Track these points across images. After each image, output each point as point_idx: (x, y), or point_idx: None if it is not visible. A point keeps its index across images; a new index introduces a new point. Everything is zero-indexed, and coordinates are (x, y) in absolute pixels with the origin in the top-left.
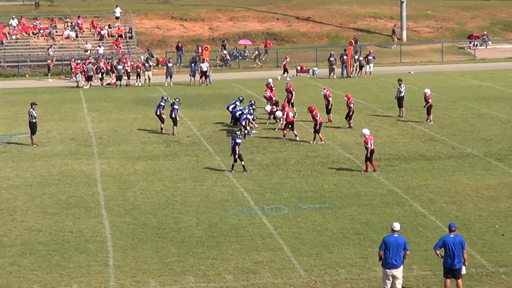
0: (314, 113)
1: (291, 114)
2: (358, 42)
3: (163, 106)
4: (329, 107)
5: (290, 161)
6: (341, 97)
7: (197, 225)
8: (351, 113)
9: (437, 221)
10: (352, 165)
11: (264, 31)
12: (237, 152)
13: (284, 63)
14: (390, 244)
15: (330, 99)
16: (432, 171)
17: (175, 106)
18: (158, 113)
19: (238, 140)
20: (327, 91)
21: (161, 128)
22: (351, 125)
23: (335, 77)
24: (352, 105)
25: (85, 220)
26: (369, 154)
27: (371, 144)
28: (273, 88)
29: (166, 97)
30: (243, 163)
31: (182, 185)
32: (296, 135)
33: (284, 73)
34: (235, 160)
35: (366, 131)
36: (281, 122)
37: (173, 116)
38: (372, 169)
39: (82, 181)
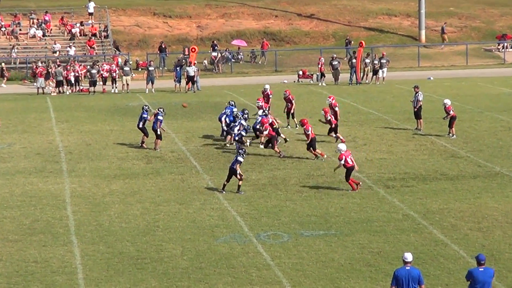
0: (305, 127)
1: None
2: (351, 42)
3: (146, 118)
4: (337, 118)
5: (291, 180)
6: (350, 106)
7: (182, 254)
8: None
9: (460, 250)
10: (362, 185)
11: (261, 30)
12: (237, 172)
13: (319, 65)
14: (402, 278)
15: (336, 109)
16: (455, 192)
17: (159, 117)
18: (141, 126)
19: (240, 158)
20: (333, 100)
21: (142, 142)
22: (339, 137)
23: (337, 83)
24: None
25: (52, 248)
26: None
27: (346, 160)
28: (271, 96)
29: (147, 107)
30: (240, 182)
31: (165, 208)
32: (284, 138)
33: (321, 77)
34: (228, 180)
35: (342, 146)
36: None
37: (156, 128)
38: (353, 187)
39: (49, 202)
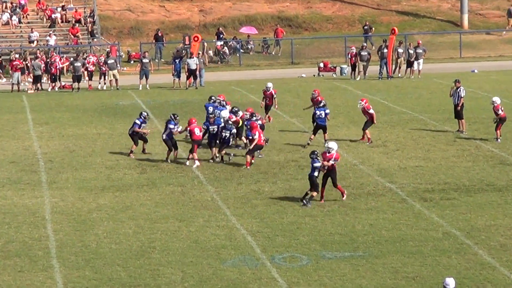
0: (252, 131)
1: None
2: (372, 29)
3: (138, 126)
4: (373, 122)
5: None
6: (380, 105)
7: (182, 280)
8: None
9: (511, 275)
10: (394, 198)
11: (275, 14)
12: (315, 181)
13: (349, 55)
14: None
15: (371, 111)
16: (504, 206)
17: (170, 126)
18: (131, 132)
19: (317, 164)
20: (365, 103)
21: (131, 152)
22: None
23: (357, 79)
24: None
25: (29, 274)
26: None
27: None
28: (275, 96)
29: (146, 114)
30: (314, 194)
31: (163, 225)
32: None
33: (353, 71)
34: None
35: (334, 145)
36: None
37: (167, 139)
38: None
39: (25, 220)
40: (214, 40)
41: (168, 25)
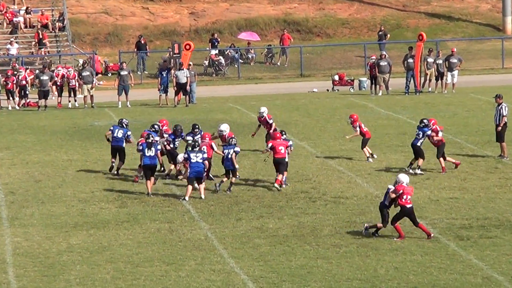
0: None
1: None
2: (387, 35)
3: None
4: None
5: (323, 229)
6: (407, 125)
7: None
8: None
9: None
10: (424, 236)
11: (280, 17)
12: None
13: (368, 65)
14: None
15: (357, 130)
16: None
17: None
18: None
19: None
20: (354, 120)
21: (112, 169)
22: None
23: (379, 94)
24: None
25: None
26: None
27: (404, 198)
28: (271, 121)
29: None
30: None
31: (147, 269)
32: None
33: (373, 85)
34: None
35: (405, 178)
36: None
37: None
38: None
39: None
40: (207, 49)
41: (153, 31)
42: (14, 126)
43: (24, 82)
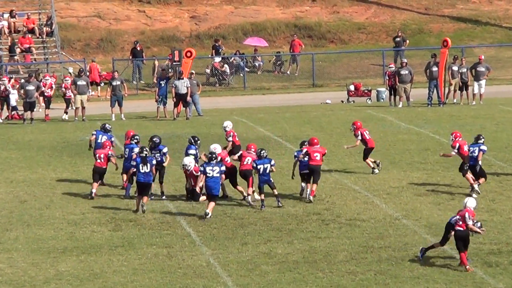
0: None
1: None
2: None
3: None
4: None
5: (338, 255)
6: (430, 140)
7: None
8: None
9: None
10: (448, 262)
11: (290, 22)
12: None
13: (387, 74)
14: None
15: (359, 138)
16: None
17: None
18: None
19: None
20: (357, 128)
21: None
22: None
23: (399, 106)
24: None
25: None
26: None
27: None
28: (229, 140)
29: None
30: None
31: None
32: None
33: (392, 95)
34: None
35: (473, 203)
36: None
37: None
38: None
39: None
40: (210, 56)
41: (150, 36)
42: None
43: (7, 92)
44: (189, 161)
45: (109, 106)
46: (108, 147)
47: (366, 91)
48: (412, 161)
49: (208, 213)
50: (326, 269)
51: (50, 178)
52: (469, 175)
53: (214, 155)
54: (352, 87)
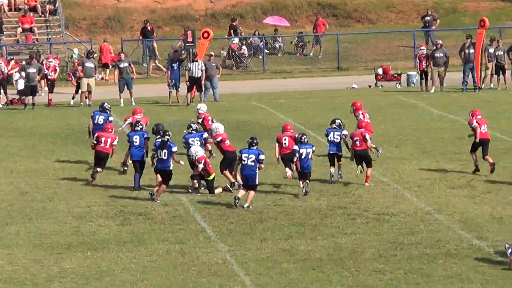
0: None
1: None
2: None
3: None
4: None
5: (364, 252)
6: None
7: None
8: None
9: None
10: (485, 260)
11: (313, 0)
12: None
13: (417, 57)
14: None
15: (360, 117)
16: None
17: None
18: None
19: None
20: (356, 109)
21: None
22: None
23: (432, 91)
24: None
25: None
26: None
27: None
28: (210, 123)
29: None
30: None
31: None
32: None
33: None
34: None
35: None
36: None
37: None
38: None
39: None
40: (227, 36)
41: (162, 15)
42: None
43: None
44: (195, 150)
45: (117, 90)
46: (111, 130)
47: (395, 75)
48: (445, 151)
49: (248, 206)
50: (352, 267)
51: (53, 168)
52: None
53: (255, 141)
54: (380, 71)
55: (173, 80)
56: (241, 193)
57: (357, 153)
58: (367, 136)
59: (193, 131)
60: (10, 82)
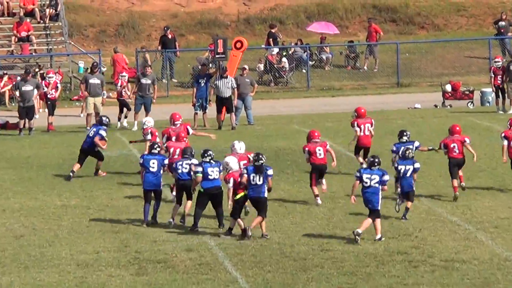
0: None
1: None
2: None
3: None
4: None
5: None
6: None
7: None
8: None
9: None
10: None
11: (368, 1)
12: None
13: (491, 70)
14: None
15: (355, 128)
16: None
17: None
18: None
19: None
20: (357, 115)
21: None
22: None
23: (510, 111)
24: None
25: None
26: None
27: None
28: (148, 137)
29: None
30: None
31: None
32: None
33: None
34: None
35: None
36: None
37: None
38: None
39: None
40: (264, 46)
41: (185, 21)
42: None
43: None
44: (231, 160)
45: (132, 110)
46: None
47: (467, 93)
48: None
49: (381, 237)
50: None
51: (54, 206)
52: None
53: (376, 160)
54: (448, 87)
55: (200, 100)
56: (365, 224)
57: (455, 162)
58: (467, 140)
59: (211, 161)
60: (2, 102)
